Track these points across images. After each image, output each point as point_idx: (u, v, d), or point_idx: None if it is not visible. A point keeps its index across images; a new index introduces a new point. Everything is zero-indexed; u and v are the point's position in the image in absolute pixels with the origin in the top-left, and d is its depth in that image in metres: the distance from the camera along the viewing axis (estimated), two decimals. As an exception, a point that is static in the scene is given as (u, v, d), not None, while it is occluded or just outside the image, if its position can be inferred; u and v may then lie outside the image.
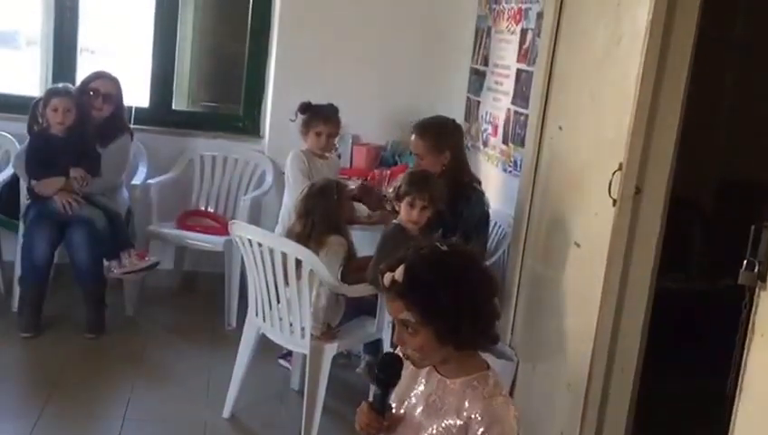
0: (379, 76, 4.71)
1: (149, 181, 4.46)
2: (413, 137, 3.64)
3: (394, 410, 1.91)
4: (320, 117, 3.83)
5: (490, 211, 3.59)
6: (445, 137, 3.56)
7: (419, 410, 1.89)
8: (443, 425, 1.82)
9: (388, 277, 1.80)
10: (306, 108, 3.86)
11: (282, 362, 3.84)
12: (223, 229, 4.20)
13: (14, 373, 3.70)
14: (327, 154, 3.96)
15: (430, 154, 3.53)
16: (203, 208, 4.67)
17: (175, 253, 4.69)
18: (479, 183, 3.67)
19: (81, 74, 4.41)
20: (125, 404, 3.40)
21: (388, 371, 1.88)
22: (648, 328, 2.90)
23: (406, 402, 1.93)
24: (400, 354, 1.89)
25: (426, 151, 3.55)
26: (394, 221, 3.31)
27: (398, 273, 1.78)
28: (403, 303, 1.78)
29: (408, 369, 1.91)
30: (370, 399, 1.90)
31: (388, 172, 4.26)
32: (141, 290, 4.33)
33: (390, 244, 3.12)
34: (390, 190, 3.41)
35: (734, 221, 4.51)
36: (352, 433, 1.98)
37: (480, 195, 3.59)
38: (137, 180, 4.43)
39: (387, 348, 3.18)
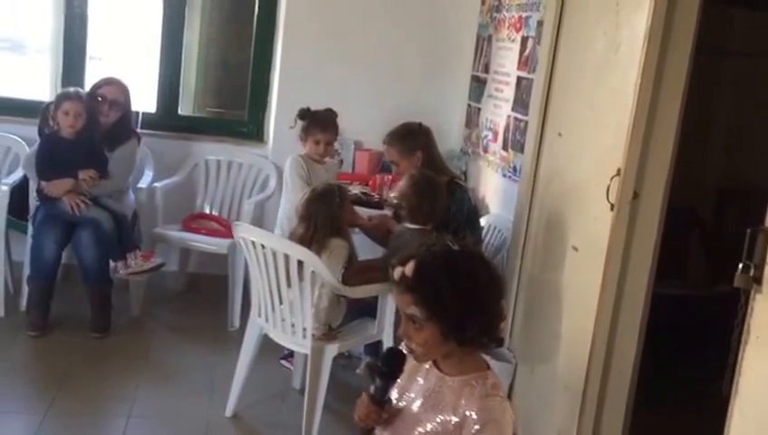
0: (382, 83, 4.76)
1: (155, 184, 4.52)
2: (385, 148, 3.83)
3: (394, 404, 1.95)
4: (317, 126, 3.86)
5: (480, 208, 3.64)
6: (413, 139, 3.73)
7: (417, 404, 1.93)
8: (438, 420, 1.86)
9: (398, 272, 1.85)
10: (305, 114, 3.89)
11: (283, 362, 3.88)
12: (227, 232, 4.25)
13: (21, 371, 3.75)
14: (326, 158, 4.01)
15: (404, 158, 3.69)
16: (208, 212, 4.71)
17: (180, 255, 4.75)
18: (460, 179, 3.73)
19: (90, 80, 4.45)
20: (130, 402, 3.45)
21: (391, 364, 1.93)
22: (644, 331, 2.92)
23: (405, 396, 1.96)
24: (404, 350, 1.94)
25: (399, 156, 3.72)
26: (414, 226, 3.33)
27: (409, 268, 1.83)
28: (411, 297, 1.83)
29: (409, 364, 1.95)
30: (371, 391, 1.94)
31: (390, 178, 4.31)
32: (147, 291, 4.38)
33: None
34: (392, 195, 3.46)
35: (732, 228, 4.57)
36: (353, 432, 2.02)
37: (463, 189, 3.68)
38: (143, 184, 4.48)
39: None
